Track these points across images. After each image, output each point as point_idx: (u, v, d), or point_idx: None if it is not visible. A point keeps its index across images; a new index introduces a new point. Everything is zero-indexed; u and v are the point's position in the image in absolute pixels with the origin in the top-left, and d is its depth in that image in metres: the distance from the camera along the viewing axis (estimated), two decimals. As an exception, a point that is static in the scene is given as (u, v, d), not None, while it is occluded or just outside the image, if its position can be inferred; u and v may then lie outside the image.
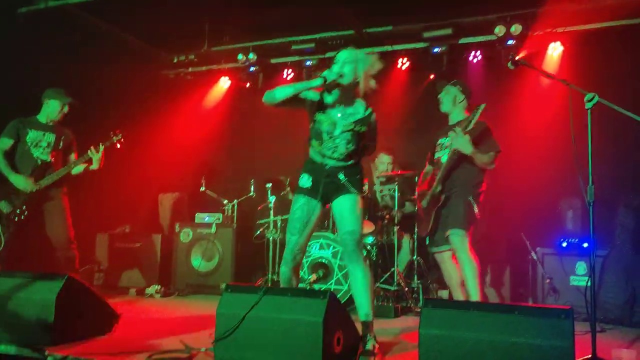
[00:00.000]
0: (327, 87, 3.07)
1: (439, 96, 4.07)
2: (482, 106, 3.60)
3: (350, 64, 3.08)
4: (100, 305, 3.38)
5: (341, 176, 3.14)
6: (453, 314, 2.29)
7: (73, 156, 4.77)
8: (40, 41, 5.62)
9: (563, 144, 3.49)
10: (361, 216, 3.12)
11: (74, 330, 3.11)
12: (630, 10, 5.35)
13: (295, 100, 3.12)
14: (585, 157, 2.81)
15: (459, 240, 3.66)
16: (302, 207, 3.17)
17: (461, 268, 3.69)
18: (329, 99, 3.18)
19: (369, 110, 3.19)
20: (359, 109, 3.17)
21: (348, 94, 3.14)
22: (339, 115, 3.13)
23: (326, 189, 3.13)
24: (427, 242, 4.09)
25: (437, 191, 3.84)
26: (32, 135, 4.59)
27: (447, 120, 4.14)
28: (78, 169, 4.65)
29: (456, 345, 2.21)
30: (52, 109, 4.66)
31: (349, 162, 3.17)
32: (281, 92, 3.11)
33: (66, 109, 4.69)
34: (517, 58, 3.21)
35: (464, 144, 3.63)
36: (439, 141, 4.04)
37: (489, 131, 3.86)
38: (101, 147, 4.56)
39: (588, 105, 2.78)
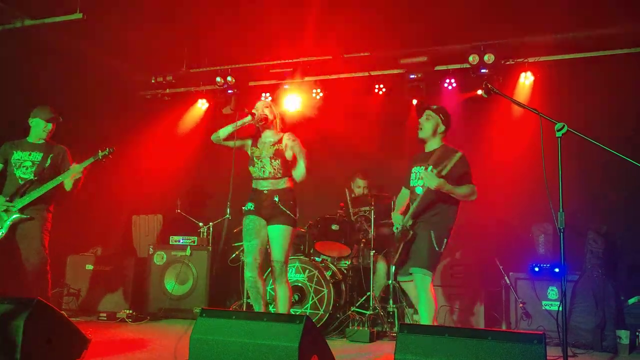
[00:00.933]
0: (256, 122, 3.87)
1: (419, 119, 3.98)
2: (459, 155, 3.55)
3: (266, 109, 3.96)
4: (70, 331, 3.29)
5: (276, 198, 3.81)
6: (428, 340, 2.30)
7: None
8: (15, 60, 5.55)
9: (535, 170, 3.57)
10: (286, 243, 3.77)
11: (42, 357, 3.01)
12: (597, 42, 5.58)
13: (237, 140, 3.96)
14: (556, 184, 2.89)
15: (421, 279, 3.62)
16: (253, 220, 3.87)
17: (419, 306, 3.67)
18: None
19: (286, 135, 3.95)
20: (277, 136, 3.96)
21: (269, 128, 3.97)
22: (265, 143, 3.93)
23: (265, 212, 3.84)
24: (393, 270, 4.05)
25: (408, 225, 3.79)
26: (16, 156, 4.54)
27: (422, 144, 4.08)
28: (68, 183, 4.53)
29: (431, 371, 2.22)
30: (36, 127, 4.61)
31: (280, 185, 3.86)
32: (224, 131, 3.94)
33: (50, 126, 4.61)
34: (490, 87, 3.29)
35: (440, 185, 3.55)
36: (414, 169, 3.98)
37: (467, 164, 3.77)
38: (82, 165, 4.48)
39: (558, 134, 2.87)
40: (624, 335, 4.39)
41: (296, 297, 4.83)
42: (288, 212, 3.77)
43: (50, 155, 4.60)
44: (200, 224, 6.15)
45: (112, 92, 6.85)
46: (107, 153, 4.61)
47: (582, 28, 5.46)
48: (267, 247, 3.86)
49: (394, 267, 4.15)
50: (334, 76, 6.75)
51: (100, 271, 5.93)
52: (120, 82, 7.09)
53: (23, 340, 2.89)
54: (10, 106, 5.06)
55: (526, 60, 5.90)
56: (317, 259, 5.04)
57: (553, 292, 4.87)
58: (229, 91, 6.93)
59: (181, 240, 5.93)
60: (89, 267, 5.97)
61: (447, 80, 6.21)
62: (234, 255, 5.62)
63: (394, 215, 4.03)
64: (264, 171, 3.87)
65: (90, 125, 6.15)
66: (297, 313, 4.82)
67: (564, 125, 2.86)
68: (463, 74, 6.15)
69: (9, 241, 4.39)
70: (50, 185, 4.45)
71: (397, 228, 3.91)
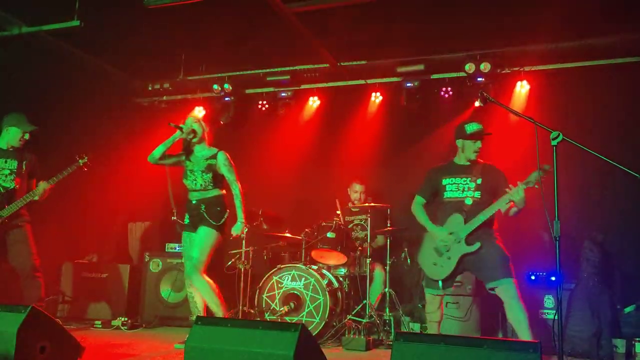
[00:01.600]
0: (186, 135, 4.26)
1: (478, 144, 4.03)
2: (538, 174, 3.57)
3: (195, 123, 4.33)
4: (65, 339, 3.27)
5: (202, 207, 4.20)
6: (424, 348, 2.29)
7: (38, 181, 4.72)
8: (13, 67, 5.56)
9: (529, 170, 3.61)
10: (204, 244, 4.15)
11: (36, 365, 2.99)
12: (591, 52, 5.62)
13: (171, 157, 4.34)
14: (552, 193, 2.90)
15: (514, 287, 3.70)
16: (185, 238, 4.36)
17: (516, 314, 3.69)
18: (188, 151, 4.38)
19: (220, 154, 4.35)
20: (209, 151, 4.37)
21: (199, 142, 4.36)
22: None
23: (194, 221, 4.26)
24: (440, 285, 3.96)
25: (463, 236, 3.83)
26: None
27: (442, 160, 4.24)
28: (38, 194, 4.62)
29: (427, 379, 2.21)
30: (12, 136, 4.66)
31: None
32: (157, 151, 4.29)
33: (27, 137, 4.67)
34: (486, 95, 3.31)
35: (523, 199, 3.67)
36: (447, 180, 4.03)
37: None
38: (46, 184, 4.60)
39: (553, 143, 2.88)
40: (620, 344, 4.40)
41: (292, 305, 4.82)
42: (210, 219, 4.18)
43: (24, 162, 4.67)
44: (196, 231, 6.11)
45: (109, 99, 6.86)
46: (84, 160, 4.72)
47: (577, 37, 5.50)
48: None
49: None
50: (330, 84, 6.77)
51: (96, 278, 5.90)
52: (117, 89, 7.10)
53: (17, 348, 2.86)
54: (6, 112, 5.06)
55: (522, 69, 5.94)
56: (313, 267, 5.03)
57: (549, 300, 4.87)
58: (226, 99, 6.95)
59: (177, 248, 5.91)
60: (84, 274, 5.94)
61: (444, 89, 6.24)
62: (230, 262, 5.60)
63: (437, 229, 3.95)
64: (195, 183, 4.27)
65: (86, 132, 6.15)
66: (293, 321, 4.81)
67: (559, 134, 2.87)
68: (459, 83, 6.17)
69: None
70: (27, 198, 4.56)
71: (451, 242, 3.87)
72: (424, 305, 4.36)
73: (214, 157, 4.30)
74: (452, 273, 3.90)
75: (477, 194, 3.92)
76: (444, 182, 4.04)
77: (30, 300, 4.40)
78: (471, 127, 4.00)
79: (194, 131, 4.30)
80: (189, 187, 4.34)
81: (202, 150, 4.37)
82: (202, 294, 4.19)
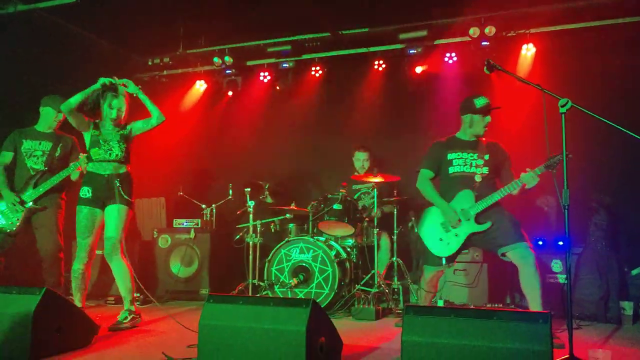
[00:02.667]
0: (107, 89, 4.12)
1: (487, 120, 3.96)
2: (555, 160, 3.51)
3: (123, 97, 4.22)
4: (79, 318, 3.34)
5: (117, 182, 4.03)
6: (434, 321, 2.32)
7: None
8: (9, 46, 5.50)
9: (538, 143, 3.54)
10: (122, 222, 4.02)
11: (53, 344, 3.06)
12: (599, 12, 5.49)
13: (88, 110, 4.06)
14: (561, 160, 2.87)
15: (531, 253, 3.66)
16: (86, 215, 4.02)
17: (530, 281, 3.63)
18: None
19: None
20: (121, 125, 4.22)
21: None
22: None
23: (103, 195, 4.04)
24: (443, 262, 3.93)
25: (474, 214, 3.80)
26: (26, 145, 4.63)
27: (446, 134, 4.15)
28: (75, 175, 4.64)
29: (438, 351, 2.24)
30: (47, 116, 4.70)
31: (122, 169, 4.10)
32: (75, 98, 3.98)
33: (61, 116, 4.70)
34: (492, 63, 3.25)
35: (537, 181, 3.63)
36: (453, 154, 3.96)
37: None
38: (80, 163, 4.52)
39: (562, 110, 2.84)
40: (627, 307, 4.43)
41: (301, 277, 4.86)
42: (125, 196, 4.05)
43: (60, 145, 4.71)
44: (203, 206, 6.16)
45: (109, 75, 6.76)
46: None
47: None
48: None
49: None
50: (332, 53, 6.67)
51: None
52: (117, 64, 7.01)
53: (33, 328, 2.92)
54: (4, 91, 5.06)
55: (527, 31, 5.81)
56: (320, 238, 5.05)
57: (557, 265, 4.89)
58: (227, 71, 6.88)
59: (185, 223, 5.95)
60: (97, 252, 5.99)
61: (448, 54, 6.14)
62: (238, 236, 5.64)
63: (447, 206, 3.89)
64: (110, 153, 4.05)
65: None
66: (303, 292, 4.87)
67: (567, 101, 2.82)
68: (463, 48, 6.06)
69: (22, 231, 4.54)
70: (61, 175, 4.56)
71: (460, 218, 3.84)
72: None
73: (125, 127, 4.21)
74: (458, 250, 3.89)
75: (486, 170, 3.89)
76: (450, 156, 3.97)
77: (48, 285, 4.49)
78: (480, 102, 3.92)
79: (127, 102, 4.26)
80: (99, 157, 4.04)
81: (115, 126, 4.18)
82: (117, 276, 4.12)
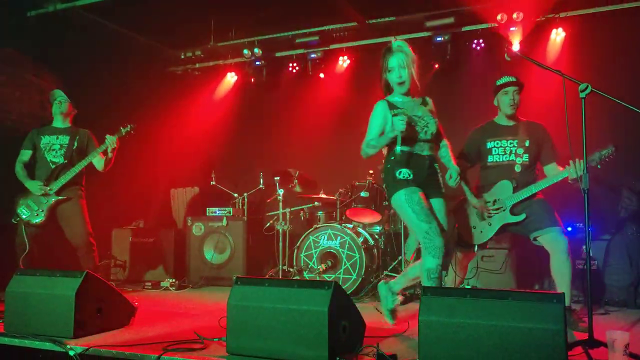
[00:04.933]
0: None
1: (513, 94, 3.88)
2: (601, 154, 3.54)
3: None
4: (118, 300, 3.53)
5: None
6: (451, 301, 2.39)
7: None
8: (50, 43, 5.77)
9: (564, 127, 3.55)
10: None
11: (94, 324, 3.26)
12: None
13: None
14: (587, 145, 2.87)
15: (564, 239, 3.66)
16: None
17: (560, 267, 3.60)
18: None
19: None
20: None
21: None
22: None
23: None
24: (475, 250, 3.99)
25: (510, 205, 3.79)
26: (45, 140, 4.82)
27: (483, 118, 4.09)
28: (99, 162, 4.80)
29: (454, 331, 2.32)
30: (55, 110, 4.89)
31: None
32: None
33: (65, 106, 4.85)
34: (513, 49, 3.27)
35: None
36: (492, 142, 3.91)
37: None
38: (113, 138, 4.69)
39: (582, 95, 2.85)
40: (658, 293, 4.39)
41: (329, 263, 4.98)
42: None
43: (77, 138, 4.87)
44: (235, 195, 6.34)
45: (145, 69, 7.03)
46: (129, 129, 4.82)
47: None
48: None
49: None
50: (359, 43, 6.72)
51: (143, 243, 6.23)
52: (152, 59, 7.26)
53: (75, 309, 3.13)
54: (45, 88, 5.32)
55: (557, 15, 5.73)
56: (348, 225, 5.16)
57: (587, 250, 4.85)
58: (257, 63, 7.02)
59: (217, 212, 6.14)
60: (133, 239, 6.27)
61: (475, 41, 6.11)
62: (268, 224, 5.80)
63: (477, 201, 3.88)
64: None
65: (124, 103, 6.36)
66: (331, 278, 4.99)
67: (587, 86, 2.83)
68: (491, 34, 6.02)
69: (50, 222, 4.71)
70: (80, 165, 4.73)
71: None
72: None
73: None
74: (490, 239, 3.91)
75: (526, 157, 3.82)
76: (489, 145, 3.91)
77: (86, 268, 4.71)
78: (501, 80, 3.91)
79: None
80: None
81: None
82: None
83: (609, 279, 4.64)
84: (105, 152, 4.72)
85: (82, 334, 3.13)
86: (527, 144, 3.84)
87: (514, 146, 3.86)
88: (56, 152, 4.78)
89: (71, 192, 4.74)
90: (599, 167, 3.52)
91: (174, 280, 5.68)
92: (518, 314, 2.25)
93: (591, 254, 4.79)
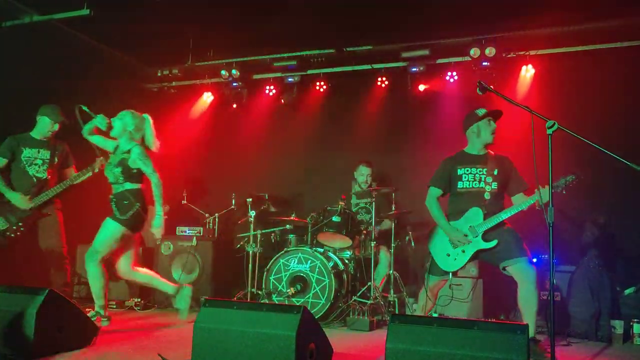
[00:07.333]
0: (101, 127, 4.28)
1: (493, 125, 4.08)
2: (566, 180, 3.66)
3: (117, 120, 4.30)
4: (81, 319, 3.45)
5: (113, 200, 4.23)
6: (418, 330, 2.42)
7: (71, 170, 4.95)
8: (24, 55, 5.69)
9: (531, 161, 3.67)
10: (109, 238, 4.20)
11: (54, 344, 3.17)
12: (596, 35, 5.62)
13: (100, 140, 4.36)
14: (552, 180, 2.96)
15: (532, 269, 3.72)
16: None
17: (527, 298, 3.65)
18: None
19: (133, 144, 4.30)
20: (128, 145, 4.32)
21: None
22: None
23: None
24: (449, 277, 4.04)
25: (481, 232, 3.85)
26: (26, 153, 4.76)
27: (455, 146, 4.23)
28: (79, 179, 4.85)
29: (420, 359, 2.34)
30: (43, 126, 4.83)
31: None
32: (86, 127, 4.28)
33: (56, 127, 4.86)
34: (484, 85, 3.38)
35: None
36: (463, 169, 4.01)
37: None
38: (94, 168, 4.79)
39: (549, 132, 2.96)
40: (618, 326, 4.49)
41: (298, 287, 4.96)
42: (115, 212, 4.22)
43: (57, 153, 4.87)
44: (206, 214, 6.29)
45: (120, 85, 6.97)
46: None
47: (583, 21, 5.49)
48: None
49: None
50: (336, 69, 6.84)
51: (109, 260, 6.07)
52: (127, 75, 7.21)
53: (35, 328, 3.04)
54: (17, 100, 5.23)
55: (527, 53, 5.96)
56: (319, 249, 5.16)
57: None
58: (234, 84, 7.05)
59: (187, 231, 6.07)
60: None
61: (449, 73, 6.28)
62: (238, 245, 5.76)
63: (452, 229, 3.94)
64: (110, 177, 4.27)
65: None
66: (300, 302, 4.96)
67: (554, 123, 2.94)
68: (464, 67, 6.21)
69: (24, 236, 4.67)
70: (64, 185, 4.78)
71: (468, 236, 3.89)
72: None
73: (129, 151, 4.25)
74: (464, 265, 3.97)
75: (495, 186, 3.93)
76: (460, 171, 4.01)
77: (58, 285, 4.66)
78: (482, 110, 4.04)
79: (110, 125, 4.28)
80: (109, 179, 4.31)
81: (124, 145, 4.32)
82: (90, 281, 4.23)
83: (571, 310, 4.73)
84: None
85: (42, 354, 3.04)
86: (495, 172, 3.96)
87: (483, 174, 3.97)
88: (39, 167, 4.77)
89: (50, 208, 4.77)
90: (564, 192, 3.63)
91: (139, 299, 5.56)
92: (483, 344, 2.28)
93: (555, 285, 4.92)
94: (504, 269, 3.82)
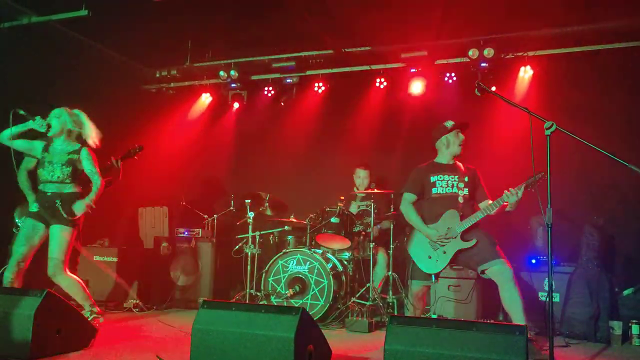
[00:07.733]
0: (38, 128, 4.10)
1: (461, 137, 4.18)
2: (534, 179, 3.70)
3: (55, 119, 4.18)
4: (78, 321, 3.45)
5: (58, 201, 4.06)
6: (416, 331, 2.42)
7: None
8: (23, 57, 5.68)
9: (530, 161, 3.68)
10: (67, 244, 4.06)
11: (52, 345, 3.17)
12: (594, 36, 5.62)
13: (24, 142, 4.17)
14: (552, 180, 2.97)
15: (508, 269, 3.75)
16: (29, 225, 4.09)
17: (510, 297, 3.70)
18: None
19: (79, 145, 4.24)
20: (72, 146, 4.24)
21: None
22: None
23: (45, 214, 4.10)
24: (432, 279, 4.07)
25: (459, 232, 3.92)
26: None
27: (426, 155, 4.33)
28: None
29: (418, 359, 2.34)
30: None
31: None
32: (4, 133, 4.08)
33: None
34: (482, 86, 3.38)
35: (518, 202, 3.80)
36: (436, 177, 4.11)
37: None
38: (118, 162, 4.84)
39: (547, 133, 2.96)
40: (617, 326, 4.49)
41: (297, 288, 4.96)
42: (65, 215, 4.06)
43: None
44: (205, 216, 6.29)
45: (118, 86, 6.97)
46: (137, 150, 5.07)
47: (582, 22, 5.50)
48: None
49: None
50: (335, 70, 6.83)
51: (107, 262, 6.08)
52: (126, 76, 7.21)
53: (34, 330, 3.04)
54: (16, 101, 5.22)
55: (526, 54, 5.96)
56: (317, 251, 5.16)
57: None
58: (232, 85, 7.05)
59: (186, 233, 6.07)
60: (97, 258, 6.12)
61: (448, 74, 6.28)
62: (237, 247, 5.76)
63: (430, 230, 4.02)
64: (52, 175, 4.12)
65: (96, 119, 6.24)
66: (299, 304, 4.96)
67: (552, 124, 2.94)
68: (463, 68, 6.21)
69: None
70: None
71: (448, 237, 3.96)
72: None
73: (77, 152, 4.21)
74: (446, 267, 4.03)
75: (466, 191, 4.07)
76: (433, 179, 4.12)
77: (57, 287, 4.62)
78: (449, 122, 4.18)
79: (49, 125, 4.16)
80: (43, 177, 4.15)
81: (63, 144, 4.23)
82: (69, 291, 4.11)
83: (570, 311, 4.73)
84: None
85: (40, 355, 3.04)
86: (466, 179, 4.11)
87: (455, 181, 4.10)
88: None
89: None
90: (533, 190, 3.67)
91: (137, 301, 5.55)
92: (481, 345, 2.28)
93: (553, 286, 4.92)
94: (482, 272, 3.88)
